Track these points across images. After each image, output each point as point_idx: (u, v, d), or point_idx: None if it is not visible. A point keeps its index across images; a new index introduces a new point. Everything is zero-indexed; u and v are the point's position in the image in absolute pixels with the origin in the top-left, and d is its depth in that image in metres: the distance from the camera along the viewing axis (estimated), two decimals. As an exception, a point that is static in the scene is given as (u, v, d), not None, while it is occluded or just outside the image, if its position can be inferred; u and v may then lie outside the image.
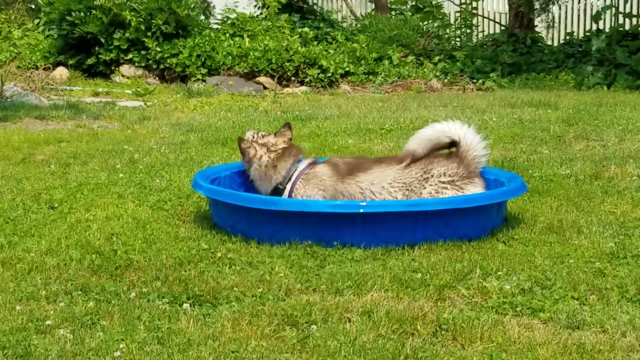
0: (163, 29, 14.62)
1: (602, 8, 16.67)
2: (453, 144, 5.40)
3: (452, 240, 4.91)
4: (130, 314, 3.89)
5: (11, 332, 3.68)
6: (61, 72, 14.83)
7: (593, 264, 4.56)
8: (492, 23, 19.19)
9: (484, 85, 13.93)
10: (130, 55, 14.87)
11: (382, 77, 14.53)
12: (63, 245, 4.91)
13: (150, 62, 14.87)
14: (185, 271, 4.47)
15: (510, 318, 3.85)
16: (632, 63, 13.51)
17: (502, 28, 17.73)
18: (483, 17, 19.24)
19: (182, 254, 4.75)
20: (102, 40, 14.75)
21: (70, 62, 15.09)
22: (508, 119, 9.74)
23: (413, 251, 4.78)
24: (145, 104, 12.12)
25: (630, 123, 9.25)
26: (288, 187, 5.45)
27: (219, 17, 16.67)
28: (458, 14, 18.51)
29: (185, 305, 4.00)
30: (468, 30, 18.21)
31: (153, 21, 14.60)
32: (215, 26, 16.41)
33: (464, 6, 18.27)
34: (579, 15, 19.18)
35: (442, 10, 18.62)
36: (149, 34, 14.69)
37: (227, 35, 15.23)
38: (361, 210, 4.87)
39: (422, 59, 15.53)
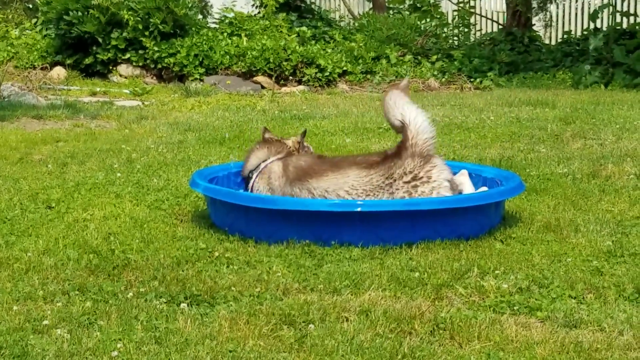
0: (161, 28, 14.62)
1: (599, 7, 16.68)
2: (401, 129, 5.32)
3: (450, 239, 4.91)
4: (127, 313, 3.88)
5: (8, 332, 3.67)
6: (59, 71, 14.83)
7: (590, 262, 4.56)
8: (489, 22, 19.20)
9: (482, 84, 13.94)
10: (127, 55, 14.87)
11: (379, 77, 14.53)
12: (60, 245, 4.90)
13: (148, 61, 14.87)
14: (182, 271, 4.47)
15: (507, 317, 3.85)
16: (629, 62, 13.52)
17: (500, 27, 17.75)
18: (481, 15, 19.25)
19: (179, 254, 4.75)
20: (100, 39, 14.75)
21: (68, 61, 15.08)
22: (506, 117, 9.74)
23: (411, 250, 4.78)
24: (143, 103, 12.11)
25: (628, 122, 9.26)
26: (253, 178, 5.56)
27: (217, 16, 16.68)
28: (456, 13, 18.52)
29: (183, 305, 4.00)
30: (466, 29, 18.22)
31: (151, 20, 14.59)
32: (212, 25, 16.40)
33: (461, 5, 18.28)
34: (576, 14, 19.19)
35: (439, 10, 18.63)
36: (147, 33, 14.68)
37: (225, 34, 15.23)
38: (359, 209, 4.87)
39: (419, 58, 15.53)
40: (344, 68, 14.55)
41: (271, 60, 14.26)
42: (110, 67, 15.08)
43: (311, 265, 4.58)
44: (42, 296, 4.12)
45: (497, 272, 4.41)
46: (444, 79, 14.40)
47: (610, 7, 16.15)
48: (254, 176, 5.57)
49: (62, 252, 4.77)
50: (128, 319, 3.83)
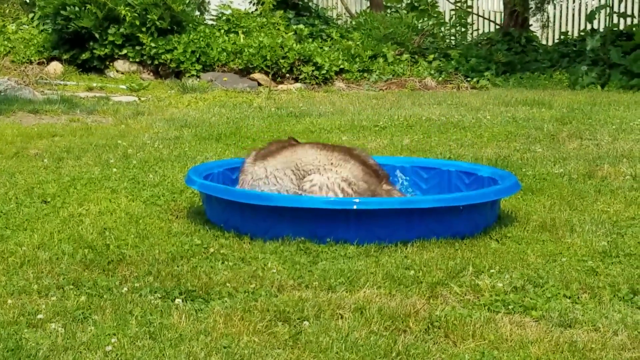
0: (158, 24, 14.59)
1: (596, 8, 16.67)
2: None
3: (445, 238, 4.91)
4: (122, 308, 3.88)
5: (2, 326, 3.67)
6: (55, 66, 14.80)
7: (585, 262, 4.56)
8: (487, 22, 19.20)
9: (479, 83, 13.94)
10: (124, 51, 14.84)
11: (376, 75, 14.53)
12: (55, 240, 4.90)
13: (145, 57, 14.84)
14: (177, 266, 4.47)
15: (502, 316, 3.85)
16: (626, 63, 13.52)
17: (497, 27, 17.74)
18: (478, 15, 19.25)
19: (174, 249, 4.75)
20: (97, 35, 14.72)
21: (65, 56, 15.05)
22: (502, 117, 9.74)
23: (406, 248, 4.78)
24: (140, 99, 12.10)
25: (624, 122, 9.27)
26: None
27: (214, 13, 16.64)
28: (453, 13, 18.52)
29: (178, 301, 4.00)
30: (463, 29, 18.21)
31: (148, 16, 14.57)
32: (210, 22, 16.37)
33: (459, 4, 18.28)
34: (573, 15, 19.18)
35: (437, 9, 18.60)
36: (144, 29, 14.65)
37: (222, 31, 15.21)
38: (354, 207, 4.87)
39: (416, 57, 15.53)
40: (341, 66, 14.54)
41: (268, 58, 14.25)
42: (107, 63, 15.05)
43: (306, 262, 4.58)
44: (36, 290, 4.11)
45: (492, 271, 4.41)
46: (440, 78, 14.40)
47: (607, 8, 16.16)
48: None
49: (57, 247, 4.77)
50: (122, 313, 3.83)
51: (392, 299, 4.03)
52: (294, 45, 14.49)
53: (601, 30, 15.82)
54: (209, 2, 18.64)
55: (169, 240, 4.94)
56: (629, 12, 17.37)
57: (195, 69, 14.45)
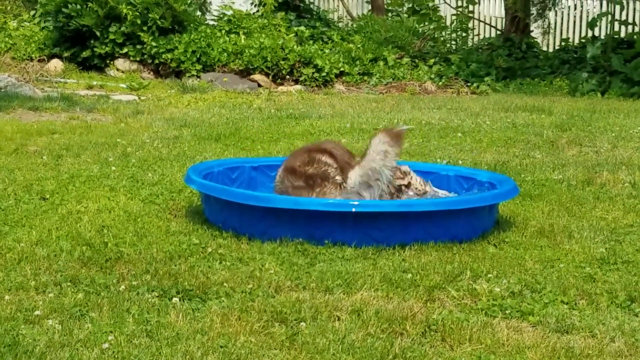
0: (159, 23, 14.59)
1: (597, 15, 16.70)
2: None
3: (443, 242, 4.91)
4: (119, 306, 3.88)
5: (-1, 322, 3.67)
6: (56, 64, 14.79)
7: (583, 269, 4.56)
8: (488, 27, 19.21)
9: (479, 89, 13.94)
10: (125, 49, 14.83)
11: (376, 78, 14.53)
12: (53, 237, 4.90)
13: (146, 56, 14.83)
14: (175, 265, 4.47)
15: (499, 320, 3.85)
16: (626, 71, 13.53)
17: (498, 32, 17.75)
18: (479, 20, 19.26)
19: (172, 248, 4.74)
20: (98, 33, 14.71)
21: (65, 54, 15.04)
22: (502, 122, 9.75)
23: (404, 251, 4.78)
24: (139, 98, 12.10)
25: (624, 130, 9.27)
26: None
27: (215, 13, 16.64)
28: (454, 17, 18.52)
29: (175, 299, 3.99)
30: (464, 34, 18.22)
31: (149, 15, 14.57)
32: (211, 22, 16.37)
33: (460, 9, 18.29)
34: (574, 22, 19.20)
35: (438, 13, 18.61)
36: (145, 28, 14.65)
37: (223, 32, 15.20)
38: (353, 210, 4.87)
39: (417, 61, 15.53)
40: (341, 69, 14.54)
41: (269, 59, 14.25)
42: (108, 61, 15.04)
43: (304, 263, 4.58)
44: (34, 286, 4.11)
45: (489, 275, 4.41)
46: (440, 83, 14.40)
47: (609, 16, 16.16)
48: None
49: (55, 244, 4.77)
50: (120, 311, 3.83)
51: (390, 301, 4.03)
52: (295, 47, 14.50)
53: (602, 37, 15.82)
54: (210, 2, 18.65)
55: (167, 239, 4.94)
56: (630, 20, 17.40)
57: (195, 69, 14.45)
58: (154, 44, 14.60)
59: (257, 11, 16.71)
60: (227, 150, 7.81)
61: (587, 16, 18.66)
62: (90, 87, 13.35)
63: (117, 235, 4.96)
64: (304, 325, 3.72)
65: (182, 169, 6.67)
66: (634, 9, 17.84)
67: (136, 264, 4.47)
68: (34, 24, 16.17)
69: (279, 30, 15.40)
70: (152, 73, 14.89)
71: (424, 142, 8.52)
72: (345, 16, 20.16)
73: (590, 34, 16.33)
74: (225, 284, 4.20)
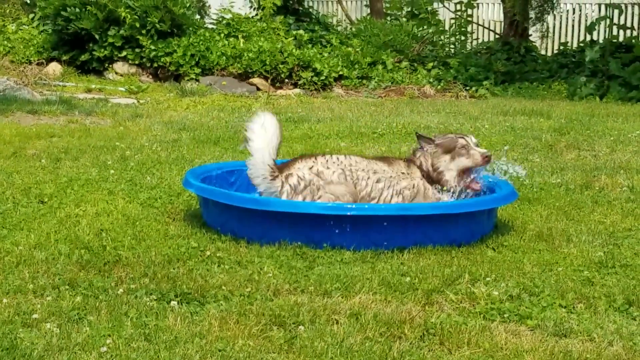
0: (158, 27, 14.60)
1: (596, 19, 16.72)
2: None
3: (442, 245, 4.91)
4: (117, 309, 3.88)
5: (-3, 325, 3.67)
6: (54, 67, 14.80)
7: (581, 272, 4.56)
8: (486, 31, 19.22)
9: (477, 92, 13.95)
10: (124, 53, 14.84)
11: (375, 82, 14.54)
12: (52, 240, 4.90)
13: (144, 60, 14.84)
14: (173, 269, 4.47)
15: (497, 324, 3.85)
16: (625, 75, 13.54)
17: (497, 36, 17.77)
18: (478, 24, 19.27)
19: (171, 252, 4.74)
20: (97, 36, 14.72)
21: (64, 57, 15.05)
22: (500, 126, 9.75)
23: (402, 255, 4.78)
24: (138, 101, 12.10)
25: (622, 134, 9.28)
26: None
27: (214, 17, 16.65)
28: (453, 21, 18.54)
29: (173, 303, 3.99)
30: (462, 38, 18.24)
31: (148, 19, 14.57)
32: (210, 26, 16.38)
33: (459, 13, 18.31)
34: (573, 26, 19.21)
35: (437, 17, 18.62)
36: (144, 31, 14.66)
37: (222, 35, 15.21)
38: (349, 214, 4.86)
39: (416, 64, 15.54)
40: (340, 72, 14.55)
41: (267, 63, 14.26)
42: (106, 65, 15.05)
43: (302, 266, 4.58)
44: (32, 290, 4.11)
45: (488, 279, 4.41)
46: (439, 87, 14.41)
47: (607, 20, 16.19)
48: None
49: (53, 247, 4.76)
50: (118, 315, 3.82)
51: (388, 305, 4.04)
52: (294, 50, 14.51)
53: (601, 41, 15.84)
54: (209, 5, 18.65)
55: (166, 242, 4.94)
56: (628, 24, 17.42)
57: (194, 73, 14.46)
58: (152, 47, 14.61)
59: (256, 15, 16.73)
60: (225, 153, 7.81)
61: (586, 20, 18.69)
62: (89, 91, 13.36)
63: (115, 239, 4.96)
64: (302, 329, 3.72)
65: (180, 173, 6.67)
66: (633, 13, 17.88)
67: (134, 268, 4.47)
68: (33, 27, 16.19)
69: (278, 34, 15.41)
70: (150, 76, 14.90)
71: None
72: (344, 20, 20.18)
73: (588, 38, 16.35)
74: (223, 287, 4.20)
